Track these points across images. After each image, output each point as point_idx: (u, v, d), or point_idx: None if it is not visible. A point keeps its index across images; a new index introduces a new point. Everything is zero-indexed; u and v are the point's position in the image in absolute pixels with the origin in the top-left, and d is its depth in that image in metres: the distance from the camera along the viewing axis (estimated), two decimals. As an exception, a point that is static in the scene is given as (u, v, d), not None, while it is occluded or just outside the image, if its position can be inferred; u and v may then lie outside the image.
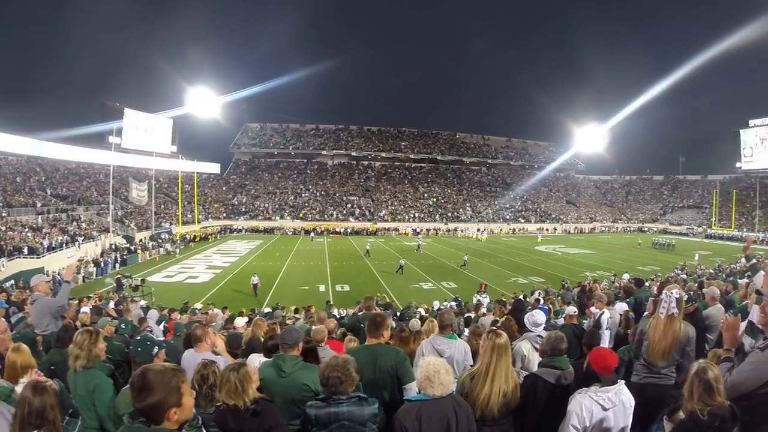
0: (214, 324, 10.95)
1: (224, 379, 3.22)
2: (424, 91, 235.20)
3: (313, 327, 7.12)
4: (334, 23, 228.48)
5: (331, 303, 20.26)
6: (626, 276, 23.73)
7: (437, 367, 3.20)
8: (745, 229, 73.06)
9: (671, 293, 4.64)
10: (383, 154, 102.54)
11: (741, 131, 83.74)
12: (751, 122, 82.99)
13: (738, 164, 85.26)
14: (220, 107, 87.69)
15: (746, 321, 4.26)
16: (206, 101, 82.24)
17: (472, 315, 13.34)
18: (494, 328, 5.91)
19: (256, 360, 4.69)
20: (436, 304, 19.69)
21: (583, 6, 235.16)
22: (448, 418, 3.14)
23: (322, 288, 29.08)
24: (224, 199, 77.16)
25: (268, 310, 18.35)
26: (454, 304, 20.39)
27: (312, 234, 64.45)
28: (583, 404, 3.37)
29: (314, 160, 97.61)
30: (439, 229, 75.44)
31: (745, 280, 10.38)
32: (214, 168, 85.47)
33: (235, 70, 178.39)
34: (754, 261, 8.77)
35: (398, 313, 15.46)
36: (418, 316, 11.83)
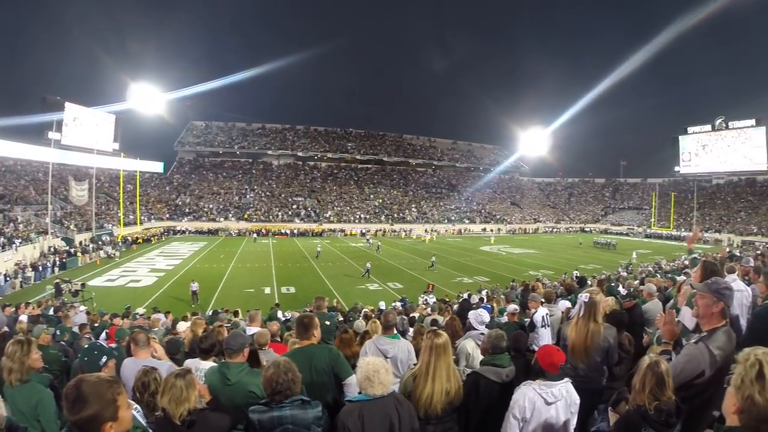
0: (156, 329, 10.66)
1: (169, 384, 3.15)
2: (372, 92, 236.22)
3: (252, 329, 7.22)
4: (281, 22, 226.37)
5: (278, 305, 20.17)
6: (576, 273, 24.77)
7: (376, 366, 3.22)
8: (683, 229, 77.30)
9: (581, 296, 4.78)
10: (329, 155, 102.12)
11: (680, 137, 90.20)
12: (690, 129, 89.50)
13: (677, 168, 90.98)
14: (164, 104, 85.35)
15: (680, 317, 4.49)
16: (150, 97, 79.86)
17: (417, 315, 13.53)
18: (434, 328, 6.04)
19: (195, 365, 4.45)
20: (382, 305, 19.35)
21: (526, 13, 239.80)
22: (391, 417, 3.15)
23: (267, 290, 28.70)
24: (167, 200, 74.68)
25: (210, 313, 17.84)
26: (399, 304, 20.37)
27: (255, 235, 63.59)
28: (527, 395, 3.42)
29: (260, 160, 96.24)
30: (386, 230, 75.48)
31: (683, 277, 11.02)
32: (158, 167, 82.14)
33: (180, 67, 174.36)
34: (695, 256, 9.27)
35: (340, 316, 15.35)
36: (361, 317, 11.97)
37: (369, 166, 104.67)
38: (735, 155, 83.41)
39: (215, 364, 4.25)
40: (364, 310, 15.81)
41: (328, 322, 7.99)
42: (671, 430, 2.82)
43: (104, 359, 4.43)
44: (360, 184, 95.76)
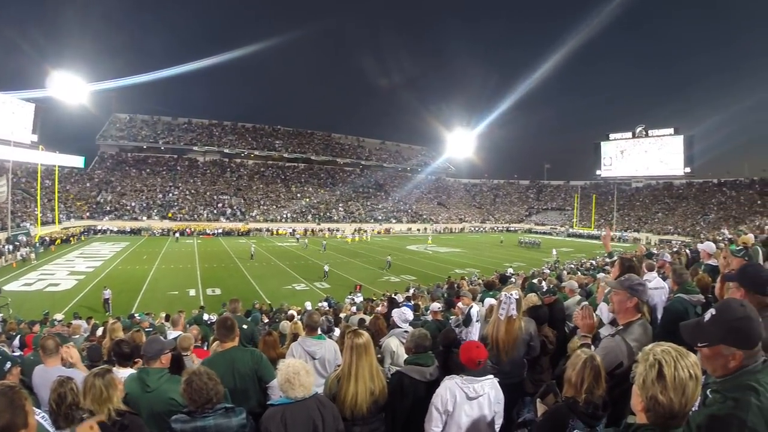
0: (77, 336, 10.29)
1: (88, 385, 3.11)
2: (301, 90, 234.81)
3: (175, 333, 7.18)
4: (210, 19, 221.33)
5: (203, 308, 19.84)
6: (511, 270, 25.82)
7: (297, 368, 3.20)
8: (603, 229, 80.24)
9: (510, 295, 4.80)
10: (257, 152, 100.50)
11: (602, 143, 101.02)
12: (612, 136, 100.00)
13: (598, 172, 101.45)
14: (87, 95, 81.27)
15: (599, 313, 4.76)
16: (72, 87, 76.12)
17: (343, 315, 13.81)
18: (354, 327, 5.90)
19: (119, 372, 4.09)
20: (308, 305, 19.51)
21: (453, 18, 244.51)
22: (314, 420, 3.16)
23: (192, 292, 28.12)
24: (88, 197, 69.96)
25: (134, 317, 17.29)
26: (325, 304, 20.63)
27: (177, 234, 61.23)
28: (449, 389, 3.51)
29: (185, 156, 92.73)
30: (314, 230, 75.09)
31: (602, 274, 11.79)
32: (78, 161, 76.77)
33: (105, 57, 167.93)
34: (615, 257, 9.87)
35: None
36: (286, 318, 12.11)
37: (297, 164, 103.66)
38: (654, 161, 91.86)
39: (135, 371, 4.13)
40: (290, 311, 15.74)
41: (245, 326, 7.87)
42: (598, 422, 2.85)
43: (8, 365, 4.37)
44: (287, 182, 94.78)
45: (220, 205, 78.50)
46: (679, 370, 1.79)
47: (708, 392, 2.08)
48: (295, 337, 6.61)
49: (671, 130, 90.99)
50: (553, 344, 5.40)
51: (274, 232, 71.90)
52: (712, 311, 2.16)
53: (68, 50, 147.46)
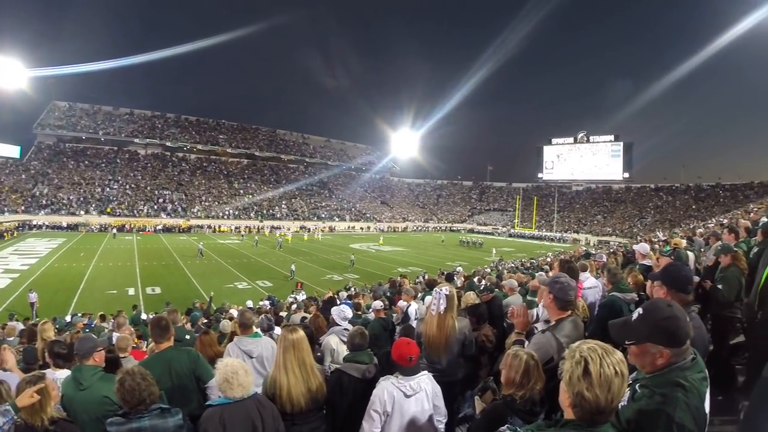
0: (11, 339, 10.00)
1: (20, 391, 3.08)
2: (246, 84, 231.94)
3: (117, 335, 7.01)
4: (156, 10, 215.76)
5: (135, 306, 19.85)
6: (459, 269, 26.23)
7: (235, 368, 3.17)
8: (544, 230, 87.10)
9: (441, 291, 4.76)
10: (199, 147, 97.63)
11: (545, 147, 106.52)
12: (554, 140, 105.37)
13: (540, 175, 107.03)
14: (26, 81, 78.28)
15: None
16: (10, 72, 73.35)
17: (285, 313, 13.62)
18: (289, 324, 6.14)
19: (50, 376, 3.81)
20: (249, 304, 19.72)
21: (397, 18, 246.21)
22: (253, 420, 3.13)
23: (131, 291, 27.56)
24: (23, 190, 66.52)
25: (69, 318, 17.05)
26: (267, 303, 20.44)
27: (114, 230, 59.03)
28: (386, 389, 3.50)
29: (125, 149, 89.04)
30: (258, 227, 74.55)
31: (540, 273, 11.97)
32: (13, 151, 73.95)
33: (46, 42, 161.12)
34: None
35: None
36: (226, 317, 12.17)
37: (240, 160, 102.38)
38: (594, 166, 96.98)
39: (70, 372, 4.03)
40: (232, 310, 15.89)
41: (187, 337, 7.93)
42: (536, 418, 2.87)
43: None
44: (230, 178, 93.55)
45: (160, 200, 76.33)
46: (605, 367, 1.81)
47: (637, 387, 2.13)
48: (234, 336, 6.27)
49: (611, 137, 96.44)
50: (492, 342, 5.48)
51: (216, 229, 70.83)
52: (639, 310, 2.21)
53: (6, 34, 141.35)
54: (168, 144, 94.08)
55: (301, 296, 21.65)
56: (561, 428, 1.93)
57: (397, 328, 7.23)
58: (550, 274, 6.30)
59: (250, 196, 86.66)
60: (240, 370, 3.18)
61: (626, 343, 2.20)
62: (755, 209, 20.20)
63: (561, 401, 1.96)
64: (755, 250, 6.37)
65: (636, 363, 2.20)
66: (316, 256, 46.87)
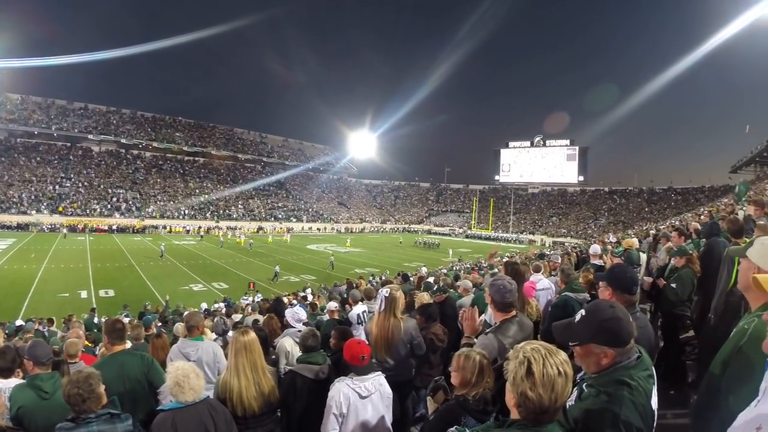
0: None
1: None
2: (203, 81, 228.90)
3: (67, 340, 6.77)
4: (111, 4, 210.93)
5: (94, 309, 19.68)
6: (424, 270, 26.62)
7: (186, 371, 3.14)
8: (500, 231, 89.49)
9: (381, 292, 4.96)
10: (155, 144, 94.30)
11: (502, 150, 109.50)
12: (511, 144, 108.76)
13: (497, 177, 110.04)
14: None
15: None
16: None
17: (239, 316, 13.64)
18: (241, 326, 6.20)
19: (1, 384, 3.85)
20: (204, 306, 19.65)
21: (356, 19, 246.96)
22: (206, 424, 3.10)
23: (84, 294, 27.11)
24: None
25: (20, 323, 15.90)
26: (222, 305, 20.13)
27: (65, 230, 57.34)
28: (341, 391, 3.51)
29: (79, 145, 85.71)
30: (213, 227, 73.52)
31: (487, 276, 11.97)
32: None
33: None
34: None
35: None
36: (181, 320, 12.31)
37: (196, 158, 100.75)
38: (550, 169, 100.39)
39: (22, 381, 3.88)
40: (186, 312, 15.56)
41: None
42: (488, 417, 2.84)
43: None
44: (186, 177, 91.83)
45: (114, 199, 74.09)
46: (548, 367, 1.82)
47: (584, 386, 2.13)
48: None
49: (567, 141, 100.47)
50: (442, 342, 5.48)
51: (171, 230, 69.37)
52: (582, 312, 2.24)
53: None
54: (123, 141, 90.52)
55: (258, 297, 21.50)
56: (507, 428, 1.95)
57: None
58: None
59: (206, 196, 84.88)
60: (191, 373, 3.16)
61: (570, 344, 2.22)
62: (705, 211, 21.38)
63: (507, 401, 1.98)
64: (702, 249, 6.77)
65: (581, 364, 2.23)
66: (272, 257, 46.77)
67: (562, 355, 1.90)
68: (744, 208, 7.98)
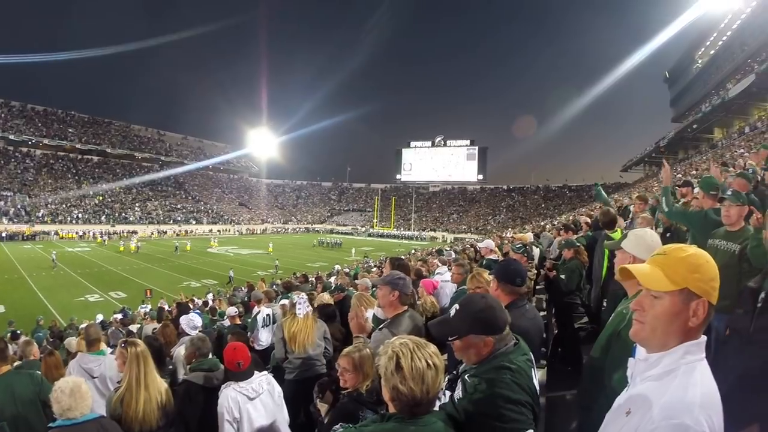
0: None
1: None
2: (98, 74, 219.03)
3: None
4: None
5: None
6: (338, 267, 27.09)
7: (72, 387, 3.00)
8: (402, 229, 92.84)
9: (302, 296, 5.29)
10: (46, 141, 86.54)
11: (403, 150, 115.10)
12: (413, 144, 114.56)
13: (398, 176, 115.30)
14: None
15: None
16: None
17: (137, 326, 12.99)
18: (128, 339, 5.75)
19: None
20: (99, 318, 18.66)
21: (257, 15, 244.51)
22: None
23: None
24: None
25: None
26: (120, 316, 18.96)
27: None
28: (229, 396, 3.53)
29: None
30: (108, 233, 69.36)
31: (368, 275, 12.15)
32: None
33: None
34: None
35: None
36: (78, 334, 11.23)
37: (90, 157, 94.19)
38: (450, 168, 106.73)
39: None
40: (81, 326, 14.47)
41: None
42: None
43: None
44: (79, 177, 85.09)
45: (2, 203, 67.31)
46: (416, 361, 1.84)
47: (467, 377, 2.16)
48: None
49: (467, 142, 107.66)
50: (339, 341, 5.62)
51: (62, 236, 63.97)
52: (456, 306, 2.26)
53: None
54: (11, 137, 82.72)
55: (162, 304, 20.37)
56: (385, 422, 1.96)
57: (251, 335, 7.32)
58: (384, 272, 6.13)
59: (101, 198, 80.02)
60: (77, 388, 3.01)
61: (449, 339, 2.24)
62: (597, 207, 22.53)
63: (383, 396, 2.00)
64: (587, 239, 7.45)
65: (462, 357, 2.26)
66: (172, 262, 45.78)
67: (432, 348, 1.96)
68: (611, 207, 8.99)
